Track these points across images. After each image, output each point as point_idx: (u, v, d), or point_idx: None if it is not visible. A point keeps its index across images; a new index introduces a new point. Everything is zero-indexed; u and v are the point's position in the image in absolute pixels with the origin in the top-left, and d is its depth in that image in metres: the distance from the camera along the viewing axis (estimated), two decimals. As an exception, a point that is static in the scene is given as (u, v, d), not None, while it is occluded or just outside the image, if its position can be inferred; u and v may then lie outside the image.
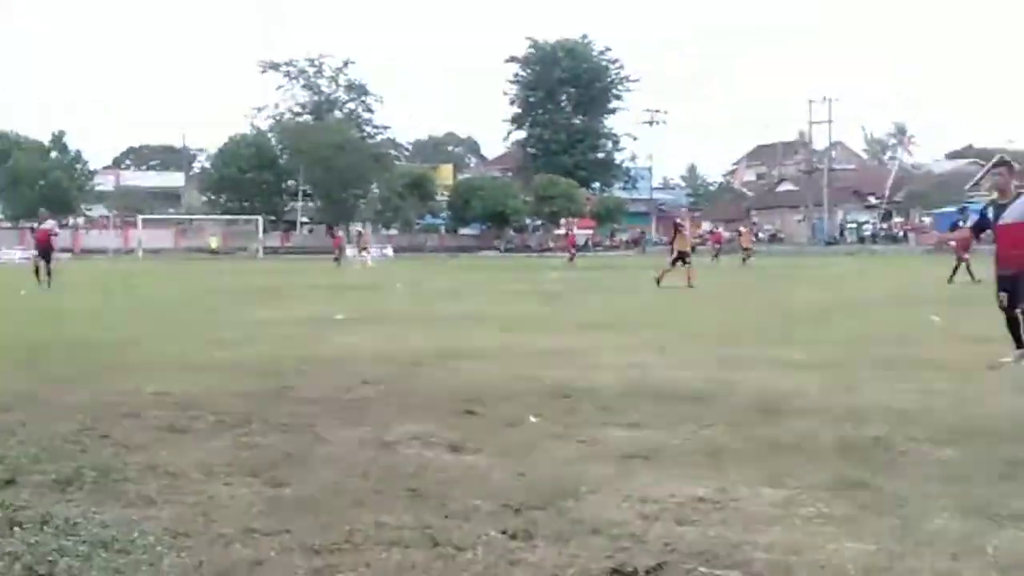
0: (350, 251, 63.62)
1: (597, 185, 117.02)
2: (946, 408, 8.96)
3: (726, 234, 78.50)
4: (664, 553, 4.91)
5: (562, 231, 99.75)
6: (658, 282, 31.36)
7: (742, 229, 67.24)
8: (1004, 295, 12.16)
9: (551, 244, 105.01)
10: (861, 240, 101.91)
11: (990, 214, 12.41)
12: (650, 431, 8.05)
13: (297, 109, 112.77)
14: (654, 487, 6.18)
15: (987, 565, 4.70)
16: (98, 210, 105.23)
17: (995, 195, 12.53)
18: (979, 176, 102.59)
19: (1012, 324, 12.14)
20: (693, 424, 8.30)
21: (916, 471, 6.57)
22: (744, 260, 56.84)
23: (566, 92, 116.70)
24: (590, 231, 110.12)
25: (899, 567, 4.66)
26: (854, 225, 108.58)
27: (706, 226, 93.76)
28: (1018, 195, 12.17)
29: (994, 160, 13.33)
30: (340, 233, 75.95)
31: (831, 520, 5.46)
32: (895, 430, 7.91)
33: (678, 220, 36.02)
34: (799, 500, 5.87)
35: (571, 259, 65.27)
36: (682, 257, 32.34)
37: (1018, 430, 7.88)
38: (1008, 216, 12.03)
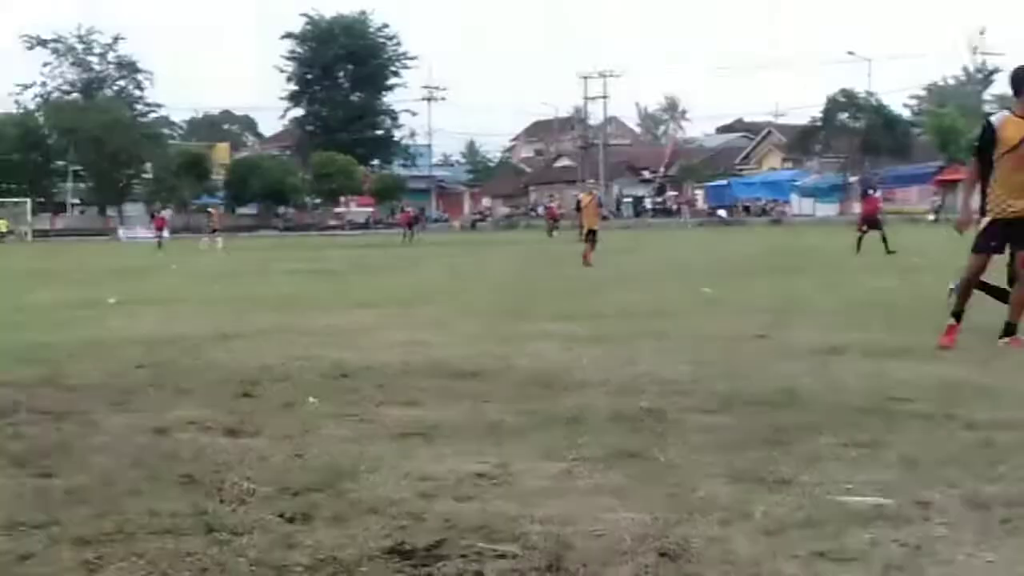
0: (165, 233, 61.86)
1: (376, 162, 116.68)
2: (716, 377, 9.19)
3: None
4: (443, 530, 4.91)
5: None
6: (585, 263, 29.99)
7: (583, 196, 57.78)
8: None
9: (331, 222, 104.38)
10: (637, 214, 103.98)
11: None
12: (429, 409, 8.05)
13: (66, 87, 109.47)
14: (433, 464, 6.18)
15: (755, 529, 4.83)
16: None
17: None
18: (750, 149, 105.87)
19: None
20: (472, 400, 8.33)
21: (688, 440, 6.71)
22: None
23: (344, 69, 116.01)
24: (370, 209, 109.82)
25: (672, 534, 4.76)
26: (630, 199, 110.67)
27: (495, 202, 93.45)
28: None
29: None
30: (163, 214, 73.75)
31: (607, 491, 5.54)
32: (668, 400, 8.07)
33: (579, 196, 34.54)
34: (576, 472, 5.94)
35: (405, 237, 63.11)
36: (592, 233, 31.35)
37: (784, 397, 8.12)
38: None
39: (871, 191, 37.08)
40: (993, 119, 10.95)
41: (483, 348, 11.57)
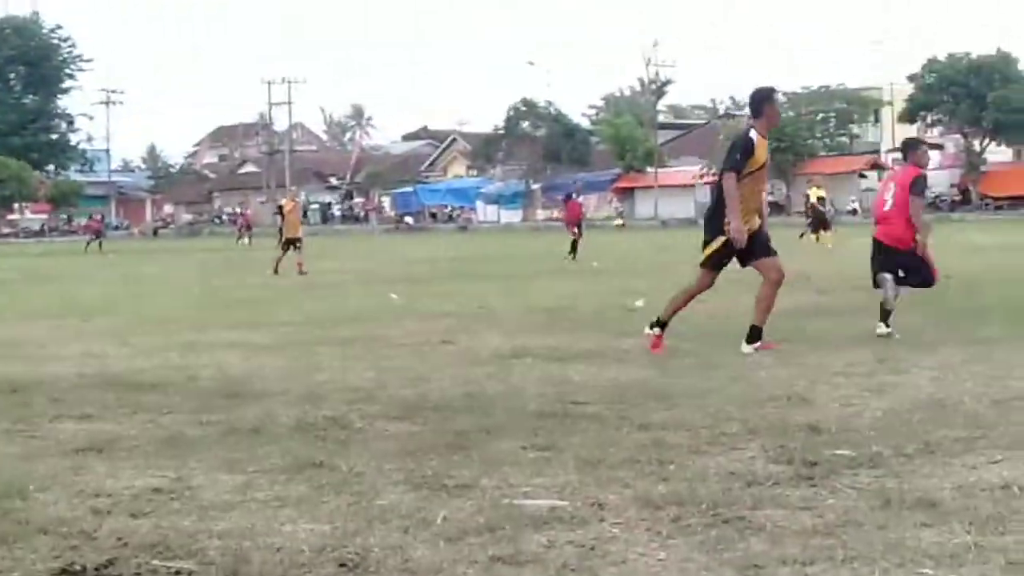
0: None
1: (52, 168, 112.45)
2: (401, 384, 9.23)
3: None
4: (116, 548, 4.75)
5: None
6: (275, 271, 28.67)
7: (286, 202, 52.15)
8: None
9: (4, 230, 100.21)
10: (325, 220, 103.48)
11: None
12: (105, 423, 7.80)
13: None
14: (108, 481, 5.98)
15: (436, 535, 4.85)
16: None
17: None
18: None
19: None
20: (151, 413, 8.11)
21: (371, 448, 6.70)
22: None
23: (15, 71, 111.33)
24: (45, 216, 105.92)
25: (352, 544, 4.73)
26: (317, 206, 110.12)
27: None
28: None
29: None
30: None
31: (288, 502, 5.47)
32: (352, 408, 8.05)
33: (282, 202, 33.23)
34: (256, 484, 5.85)
35: (89, 245, 60.55)
36: (292, 243, 29.62)
37: (466, 402, 8.22)
38: None
39: (573, 196, 37.83)
40: (752, 136, 10.62)
41: (163, 359, 11.29)
